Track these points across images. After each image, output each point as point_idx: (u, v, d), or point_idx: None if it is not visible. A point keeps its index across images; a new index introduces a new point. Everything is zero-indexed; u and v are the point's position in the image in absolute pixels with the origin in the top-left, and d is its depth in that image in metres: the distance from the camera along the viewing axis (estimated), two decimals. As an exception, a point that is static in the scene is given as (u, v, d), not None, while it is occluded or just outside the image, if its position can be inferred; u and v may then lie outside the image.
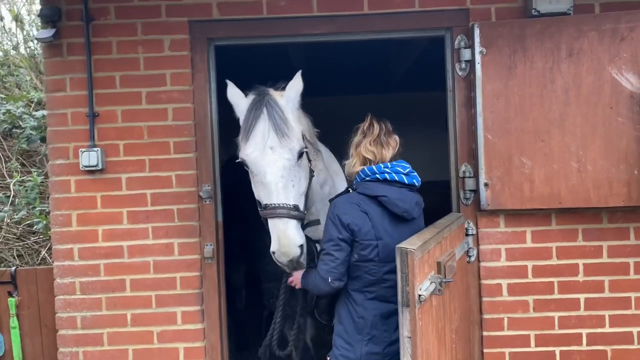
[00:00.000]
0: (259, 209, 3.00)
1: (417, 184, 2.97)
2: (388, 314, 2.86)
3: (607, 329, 3.54)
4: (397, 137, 3.07)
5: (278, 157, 2.96)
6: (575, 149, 3.40)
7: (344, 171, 3.29)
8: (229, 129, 3.35)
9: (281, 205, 2.91)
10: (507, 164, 3.44)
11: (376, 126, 3.04)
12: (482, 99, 3.43)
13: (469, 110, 3.55)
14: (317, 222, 3.38)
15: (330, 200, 3.07)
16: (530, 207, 3.44)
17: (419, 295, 2.18)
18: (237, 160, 3.02)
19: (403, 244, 2.29)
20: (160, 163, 3.56)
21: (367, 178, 2.97)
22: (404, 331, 2.19)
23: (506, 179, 3.44)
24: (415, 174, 2.99)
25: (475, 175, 3.52)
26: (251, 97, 3.07)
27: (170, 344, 3.58)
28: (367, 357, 2.87)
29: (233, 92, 3.15)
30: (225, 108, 3.56)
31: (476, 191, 3.52)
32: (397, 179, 2.92)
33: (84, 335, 3.57)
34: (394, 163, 2.99)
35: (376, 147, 3.00)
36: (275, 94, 3.10)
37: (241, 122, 3.04)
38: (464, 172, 3.57)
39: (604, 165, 3.37)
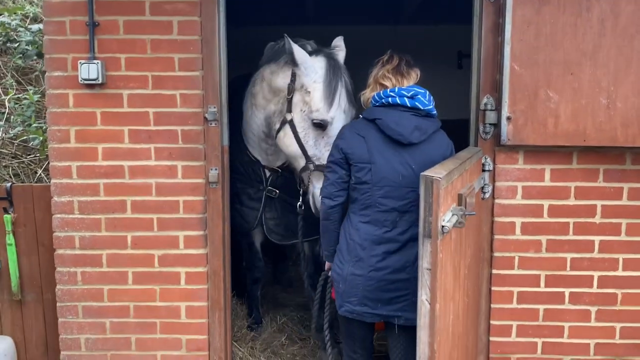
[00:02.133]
0: (313, 165, 3.37)
1: (422, 107, 2.84)
2: (379, 240, 2.84)
3: (620, 272, 3.45)
4: (418, 71, 2.99)
5: (347, 120, 3.37)
6: (606, 84, 3.20)
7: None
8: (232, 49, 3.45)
9: None
10: (533, 98, 3.24)
11: (396, 58, 2.97)
12: (511, 26, 3.20)
13: (496, 37, 3.32)
14: None
15: None
16: (553, 143, 3.27)
17: (442, 227, 2.05)
18: (315, 119, 3.34)
19: (428, 172, 2.13)
20: (164, 80, 3.34)
21: (376, 104, 2.89)
22: (424, 263, 2.07)
23: (530, 113, 3.26)
24: (423, 98, 2.85)
25: (497, 108, 3.33)
26: (322, 59, 3.42)
27: (172, 267, 3.48)
28: (352, 278, 2.89)
29: (301, 53, 3.40)
30: (230, 27, 3.41)
31: (497, 125, 3.34)
32: (399, 102, 2.81)
33: (83, 256, 3.47)
34: (402, 87, 2.84)
35: (395, 76, 2.90)
36: (340, 58, 3.52)
37: (315, 82, 3.36)
38: (485, 104, 3.37)
39: (635, 102, 3.19)
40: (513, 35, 3.21)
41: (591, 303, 3.47)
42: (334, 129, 3.31)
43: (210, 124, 3.40)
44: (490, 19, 3.32)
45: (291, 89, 3.45)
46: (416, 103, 2.82)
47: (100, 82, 3.28)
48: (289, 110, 3.47)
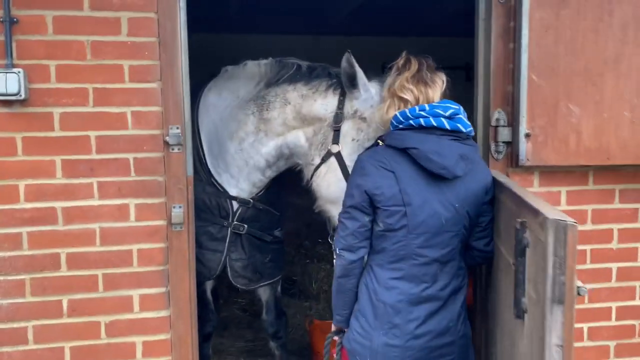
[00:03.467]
0: None
1: (464, 130, 2.30)
2: (417, 300, 2.28)
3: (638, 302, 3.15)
4: (443, 76, 2.41)
5: None
6: (629, 96, 2.88)
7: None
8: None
9: None
10: (553, 112, 2.85)
11: (414, 61, 2.38)
12: (528, 30, 2.79)
13: (507, 44, 2.89)
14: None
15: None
16: (575, 163, 2.90)
17: (579, 288, 1.52)
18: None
19: (553, 214, 1.60)
20: (110, 94, 2.56)
21: (400, 125, 2.30)
22: (552, 337, 1.54)
23: (550, 129, 2.86)
24: (463, 116, 2.32)
25: (511, 124, 2.90)
26: (375, 84, 2.74)
27: (124, 337, 2.68)
28: (384, 350, 2.29)
29: (362, 74, 2.72)
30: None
31: (510, 143, 2.92)
32: (435, 124, 2.24)
33: (0, 332, 2.57)
34: (433, 104, 2.30)
35: (416, 85, 2.33)
36: None
37: (372, 107, 2.71)
38: (497, 120, 2.93)
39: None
40: (531, 41, 2.80)
41: (610, 338, 3.14)
42: None
43: (172, 149, 2.66)
44: (499, 22, 2.89)
45: (339, 118, 2.77)
46: (458, 125, 2.28)
47: (21, 97, 2.43)
48: (336, 142, 2.78)
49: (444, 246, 2.27)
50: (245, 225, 3.22)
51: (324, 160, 2.80)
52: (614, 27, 2.84)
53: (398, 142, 2.27)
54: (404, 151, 2.24)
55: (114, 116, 2.58)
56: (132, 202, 2.63)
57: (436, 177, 2.24)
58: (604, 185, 3.04)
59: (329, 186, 2.79)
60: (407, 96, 2.32)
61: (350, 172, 2.65)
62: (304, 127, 2.91)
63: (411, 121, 2.26)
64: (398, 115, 2.31)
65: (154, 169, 2.63)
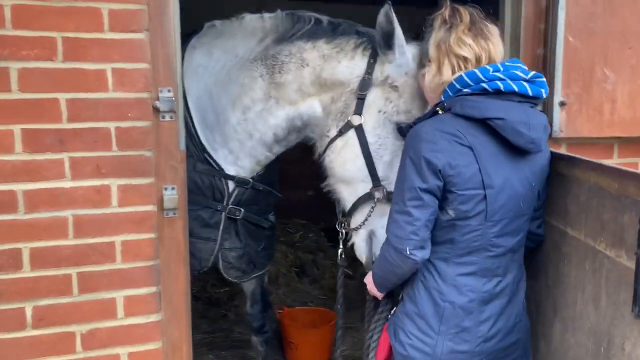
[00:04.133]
0: (383, 192, 2.30)
1: (544, 96, 1.96)
2: (489, 298, 1.95)
3: None
4: (496, 27, 2.03)
5: None
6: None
7: None
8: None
9: None
10: (588, 77, 2.59)
11: (465, 12, 1.98)
12: (566, -15, 2.49)
13: (538, 0, 2.58)
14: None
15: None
16: (610, 134, 2.66)
17: None
18: (402, 123, 2.27)
19: None
20: (85, 47, 2.01)
21: (466, 89, 1.90)
22: None
23: (585, 97, 2.60)
24: (543, 79, 1.97)
25: (543, 91, 2.61)
26: (413, 47, 2.29)
27: (105, 350, 2.17)
28: (450, 357, 1.94)
29: (400, 30, 2.25)
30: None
31: (543, 111, 2.63)
32: (516, 88, 1.88)
33: (-57, 353, 2.00)
34: (506, 63, 1.94)
35: (475, 40, 1.95)
36: None
37: (407, 75, 2.28)
38: (527, 85, 2.63)
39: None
40: (570, -4, 2.50)
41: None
42: None
43: (163, 117, 2.15)
44: (531, -24, 2.58)
45: (366, 84, 2.32)
46: (541, 90, 1.92)
47: (-33, 46, 1.85)
48: (358, 112, 2.33)
49: (518, 232, 1.94)
50: (242, 210, 2.75)
51: (341, 132, 2.36)
52: (653, -16, 2.60)
53: (476, 110, 1.84)
54: (482, 122, 1.85)
55: (90, 74, 2.03)
56: (113, 183, 2.10)
57: (515, 151, 1.89)
58: (629, 159, 2.83)
59: (344, 163, 2.37)
60: (467, 53, 1.92)
61: (372, 149, 2.29)
62: (321, 94, 2.44)
63: (484, 84, 1.86)
64: (464, 77, 1.89)
65: (141, 142, 2.12)
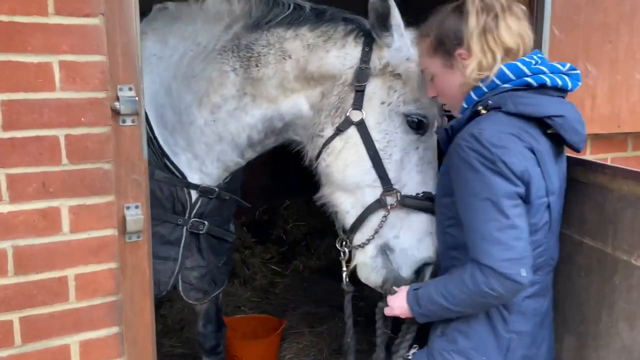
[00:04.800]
0: (397, 197, 2.00)
1: (574, 89, 1.81)
2: (544, 318, 1.80)
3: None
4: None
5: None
6: (640, 56, 2.61)
7: None
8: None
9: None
10: (571, 71, 2.48)
11: None
12: (553, -26, 2.36)
13: None
14: None
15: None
16: (590, 131, 2.55)
17: None
18: (413, 115, 2.03)
19: None
20: (24, 34, 1.59)
21: (507, 85, 1.71)
22: None
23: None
24: (577, 71, 1.83)
25: (526, 86, 2.48)
26: (412, 32, 2.06)
27: (57, 410, 1.77)
28: None
29: (397, 13, 2.02)
30: None
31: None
32: (560, 83, 1.73)
33: None
34: (541, 56, 1.79)
35: (521, 27, 1.75)
36: None
37: (409, 61, 2.04)
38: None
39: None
40: (556, -14, 2.37)
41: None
42: (432, 139, 2.07)
43: (124, 121, 1.76)
44: (515, -37, 2.41)
45: (364, 74, 2.03)
46: (578, 83, 1.77)
47: None
48: (358, 106, 2.03)
49: (557, 240, 1.78)
50: (206, 223, 2.38)
51: (339, 130, 2.06)
52: (631, -25, 2.53)
53: (533, 108, 1.65)
54: (540, 121, 1.66)
55: (31, 69, 1.61)
56: (64, 205, 1.69)
57: (558, 151, 1.74)
58: (600, 155, 2.78)
59: (346, 167, 2.07)
60: (514, 44, 1.72)
61: (379, 147, 2.01)
62: (308, 89, 2.14)
63: (529, 79, 1.67)
64: (506, 71, 1.69)
65: (97, 152, 1.72)
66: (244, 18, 2.19)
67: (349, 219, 2.09)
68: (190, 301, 2.52)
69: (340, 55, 2.08)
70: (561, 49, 2.43)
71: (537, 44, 2.41)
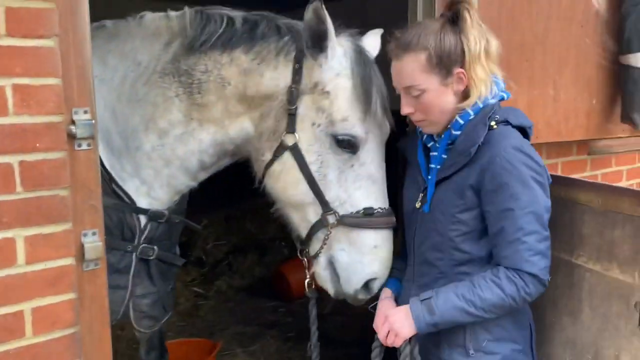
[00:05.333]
0: (335, 217, 2.05)
1: None
2: None
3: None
4: None
5: (383, 140, 2.14)
6: (552, 72, 2.86)
7: None
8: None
9: (390, 211, 2.09)
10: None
11: (467, 12, 1.88)
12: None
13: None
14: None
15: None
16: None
17: None
18: (341, 135, 2.03)
19: None
20: (-27, 55, 1.50)
21: (493, 100, 1.90)
22: None
23: (494, 107, 2.68)
24: None
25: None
26: (347, 42, 2.09)
27: None
28: None
29: (330, 23, 1.98)
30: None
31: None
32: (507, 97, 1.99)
33: None
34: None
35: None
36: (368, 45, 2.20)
37: (338, 77, 2.04)
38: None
39: (573, 93, 2.95)
40: (480, 8, 2.54)
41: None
42: (371, 153, 2.06)
43: (80, 145, 1.70)
44: (442, -12, 2.58)
45: (294, 95, 2.02)
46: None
47: None
48: (291, 130, 2.04)
49: None
50: (155, 248, 2.30)
51: (276, 155, 2.09)
52: (542, 0, 2.78)
53: (524, 120, 1.90)
54: (523, 130, 1.88)
55: (-17, 93, 1.52)
56: (19, 235, 1.61)
57: None
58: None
59: (286, 189, 2.12)
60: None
61: (313, 170, 2.04)
62: (251, 111, 2.13)
63: (503, 94, 1.92)
64: (496, 87, 1.89)
65: (54, 178, 1.65)
66: (181, 36, 2.15)
67: (301, 233, 2.15)
68: (141, 329, 2.43)
69: (274, 76, 2.08)
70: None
71: (465, 63, 2.59)
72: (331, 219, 2.05)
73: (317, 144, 2.06)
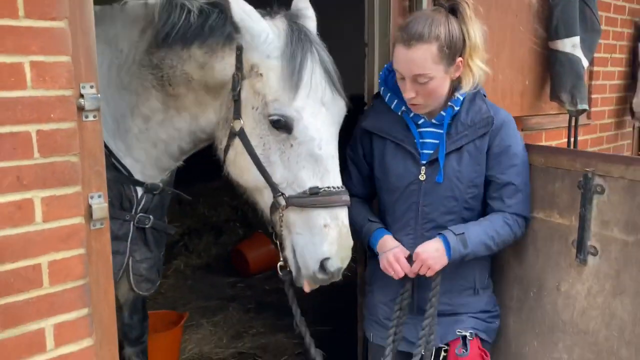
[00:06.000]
0: (284, 198, 2.09)
1: None
2: None
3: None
4: None
5: (332, 119, 2.13)
6: (492, 55, 3.17)
7: None
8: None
9: (342, 189, 2.10)
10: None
11: (467, 5, 2.13)
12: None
13: (402, 1, 2.90)
14: None
15: None
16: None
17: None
18: (272, 116, 2.07)
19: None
20: (-4, 35, 1.69)
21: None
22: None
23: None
24: None
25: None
26: (281, 22, 2.15)
27: (34, 391, 1.86)
28: None
29: (246, 10, 2.06)
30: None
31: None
32: None
33: None
34: None
35: None
36: (311, 26, 2.23)
37: (269, 58, 2.09)
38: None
39: (509, 74, 3.32)
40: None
41: None
42: (308, 131, 2.07)
43: (87, 116, 1.91)
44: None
45: (237, 80, 2.11)
46: None
47: None
48: (238, 116, 2.13)
49: None
50: (151, 217, 2.50)
51: (229, 142, 2.19)
52: (483, -7, 3.12)
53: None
54: None
55: (5, 69, 1.71)
56: (37, 196, 1.80)
57: None
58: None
59: (242, 175, 2.21)
60: None
61: (258, 153, 2.12)
62: (215, 101, 2.25)
63: None
64: None
65: (66, 146, 1.85)
66: (152, 25, 2.25)
67: (265, 216, 2.23)
68: (141, 292, 2.64)
69: (223, 66, 2.16)
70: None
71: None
72: (281, 200, 2.10)
73: (258, 127, 2.12)
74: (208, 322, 4.77)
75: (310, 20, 2.25)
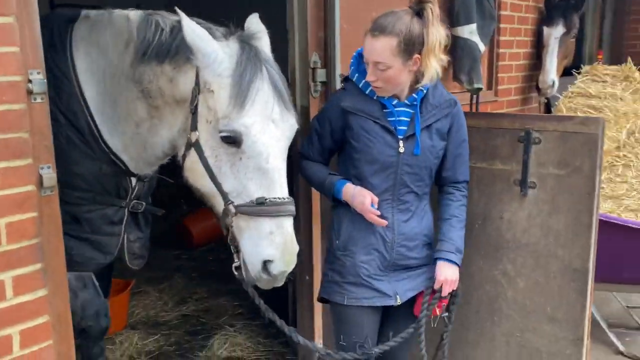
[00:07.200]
0: (233, 206, 2.28)
1: None
2: None
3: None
4: None
5: (281, 134, 2.30)
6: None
7: None
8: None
9: (287, 200, 2.27)
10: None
11: (431, 10, 2.36)
12: (339, -16, 3.24)
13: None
14: None
15: None
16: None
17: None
18: (222, 131, 2.24)
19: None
20: (-46, 30, 1.98)
21: None
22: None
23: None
24: None
25: (326, 66, 3.34)
26: (233, 44, 2.31)
27: (-2, 332, 2.20)
28: None
29: (197, 32, 2.23)
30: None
31: (326, 83, 3.36)
32: None
33: None
34: None
35: None
36: (263, 46, 2.42)
37: (219, 76, 2.25)
38: (314, 62, 3.32)
39: (417, 58, 3.75)
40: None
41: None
42: (256, 146, 2.22)
43: (35, 99, 2.21)
44: (312, -25, 3.25)
45: (195, 94, 2.30)
46: None
47: None
48: (194, 128, 2.33)
49: None
50: (144, 203, 2.84)
51: (186, 152, 2.39)
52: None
53: None
54: None
55: (-37, 59, 2.01)
56: (-7, 167, 2.12)
57: None
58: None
59: (196, 182, 2.41)
60: None
61: (211, 164, 2.30)
62: (183, 113, 2.44)
63: None
64: None
65: (18, 124, 2.16)
66: (133, 41, 2.42)
67: (220, 220, 2.38)
68: (134, 267, 2.96)
69: (185, 81, 2.34)
70: (350, 39, 3.32)
71: (331, 35, 3.29)
72: (232, 208, 2.27)
73: (211, 140, 2.30)
74: (154, 289, 5.09)
75: (261, 41, 2.43)
